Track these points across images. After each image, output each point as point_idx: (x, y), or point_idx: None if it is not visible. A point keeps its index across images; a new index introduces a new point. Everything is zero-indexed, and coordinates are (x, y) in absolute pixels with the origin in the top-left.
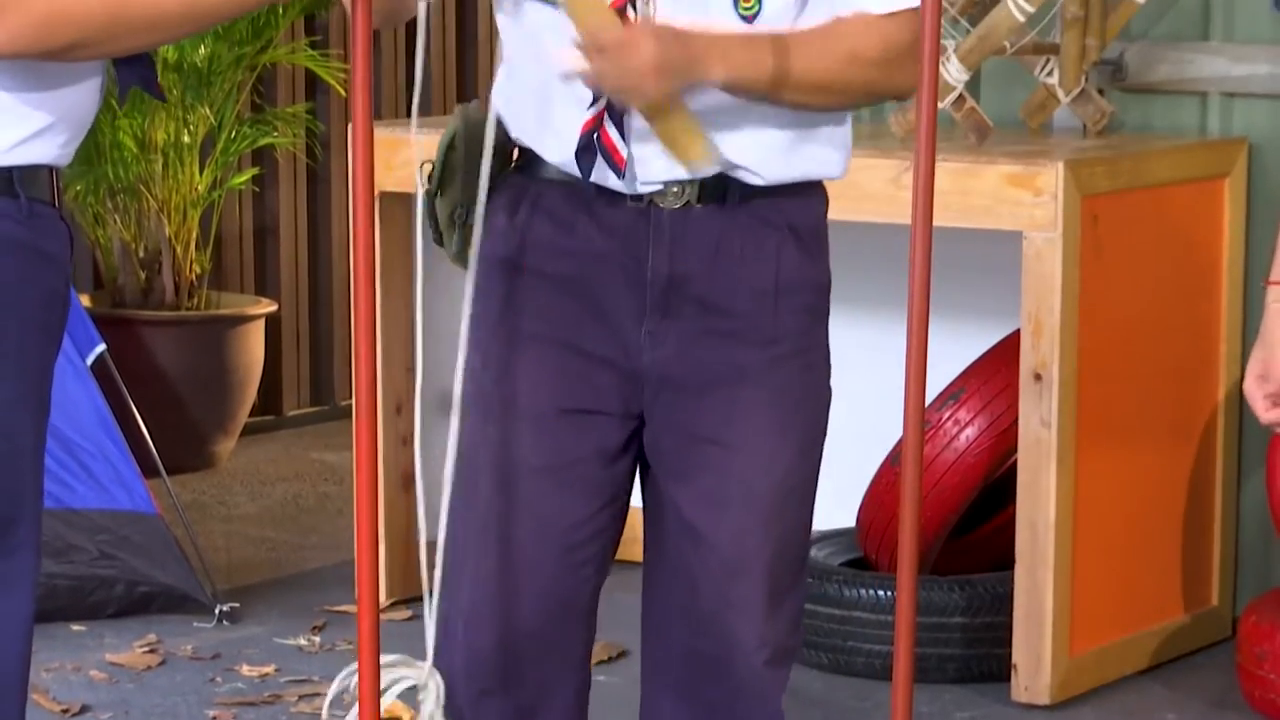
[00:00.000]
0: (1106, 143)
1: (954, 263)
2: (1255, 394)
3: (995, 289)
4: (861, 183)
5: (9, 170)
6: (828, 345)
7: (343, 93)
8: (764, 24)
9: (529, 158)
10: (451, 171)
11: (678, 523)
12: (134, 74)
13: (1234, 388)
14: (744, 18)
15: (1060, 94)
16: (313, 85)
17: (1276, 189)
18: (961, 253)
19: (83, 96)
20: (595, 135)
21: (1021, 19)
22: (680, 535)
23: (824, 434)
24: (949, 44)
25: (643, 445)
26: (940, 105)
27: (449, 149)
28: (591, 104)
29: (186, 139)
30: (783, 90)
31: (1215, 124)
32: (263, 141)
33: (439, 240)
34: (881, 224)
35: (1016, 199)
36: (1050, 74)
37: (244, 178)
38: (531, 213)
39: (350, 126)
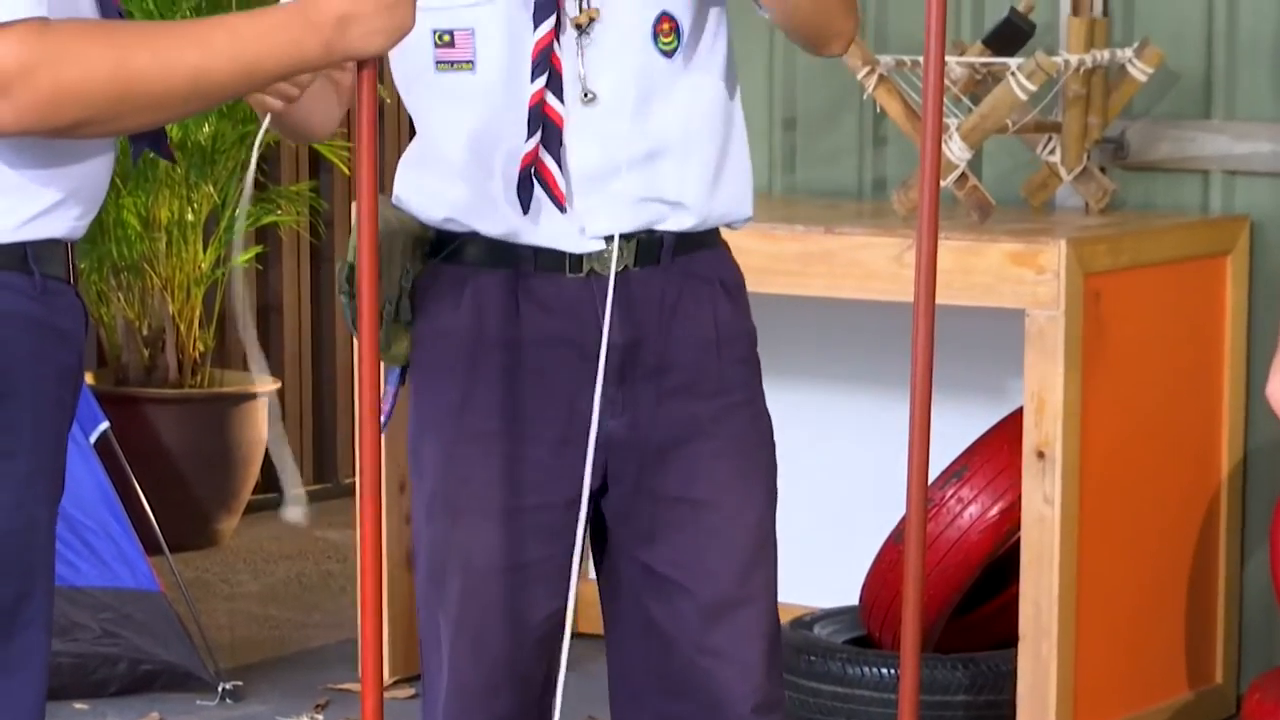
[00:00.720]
0: (1109, 220)
1: (957, 340)
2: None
3: (998, 367)
4: (864, 261)
5: (23, 246)
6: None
7: (346, 171)
8: (681, 58)
9: (457, 243)
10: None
11: (647, 583)
12: (145, 138)
13: (1237, 465)
14: (664, 53)
15: (1062, 172)
16: (316, 163)
17: (1278, 266)
18: (964, 330)
19: (95, 169)
20: (533, 169)
21: (1024, 97)
22: (650, 595)
23: (776, 482)
24: (951, 122)
25: (601, 515)
26: (943, 183)
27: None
28: (528, 136)
29: (190, 217)
30: None
31: (1217, 202)
32: (266, 220)
33: None
34: (884, 302)
35: (1019, 277)
36: (1052, 152)
37: (247, 256)
38: (471, 305)
39: (355, 205)
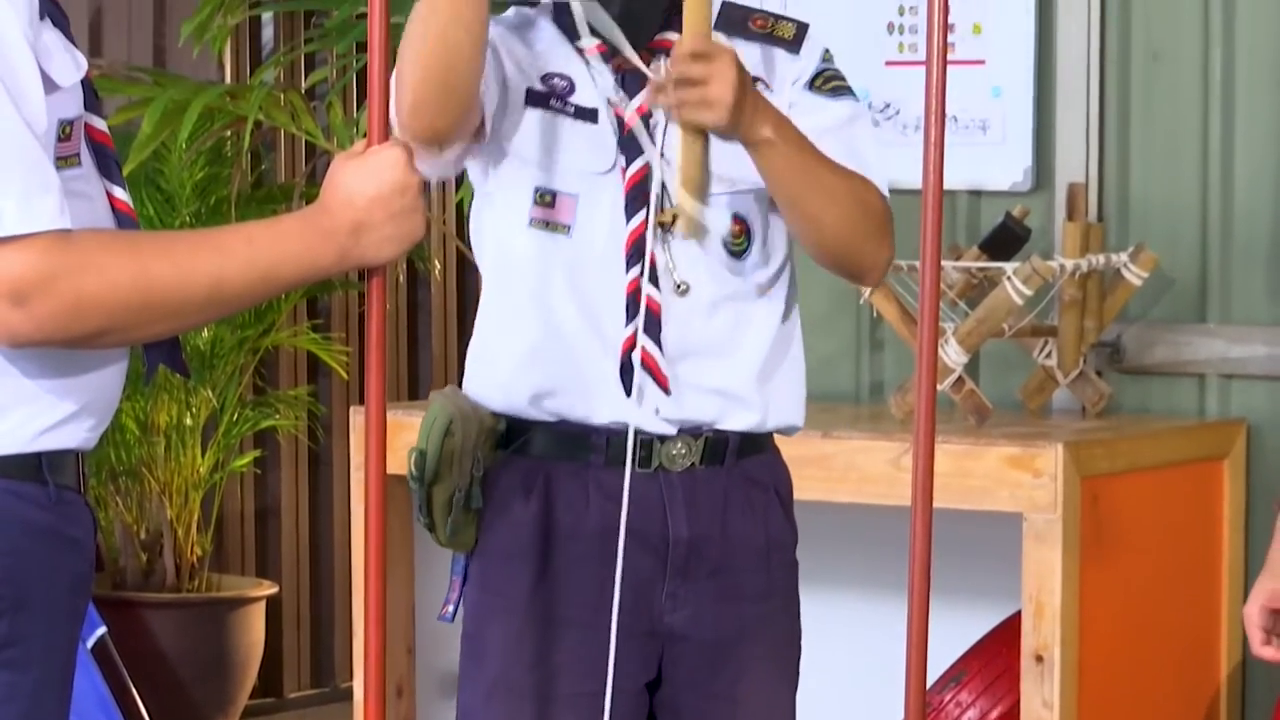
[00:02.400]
0: (1106, 424)
1: (954, 544)
2: (1255, 622)
3: (995, 570)
4: (862, 465)
5: (37, 456)
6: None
7: (344, 376)
8: (750, 261)
9: (528, 435)
10: (448, 458)
11: None
12: (160, 353)
13: (1236, 669)
14: (733, 254)
15: (1059, 376)
16: (315, 368)
17: (1275, 470)
18: (962, 534)
19: (109, 380)
20: (635, 354)
21: (1020, 302)
22: None
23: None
24: (947, 326)
25: (652, 704)
26: (939, 387)
27: (446, 435)
28: (627, 321)
29: (189, 421)
30: (801, 180)
31: (1214, 406)
32: (264, 424)
33: (430, 527)
34: (882, 506)
35: (1016, 480)
36: (1049, 356)
37: (245, 460)
38: (541, 495)
39: (364, 412)
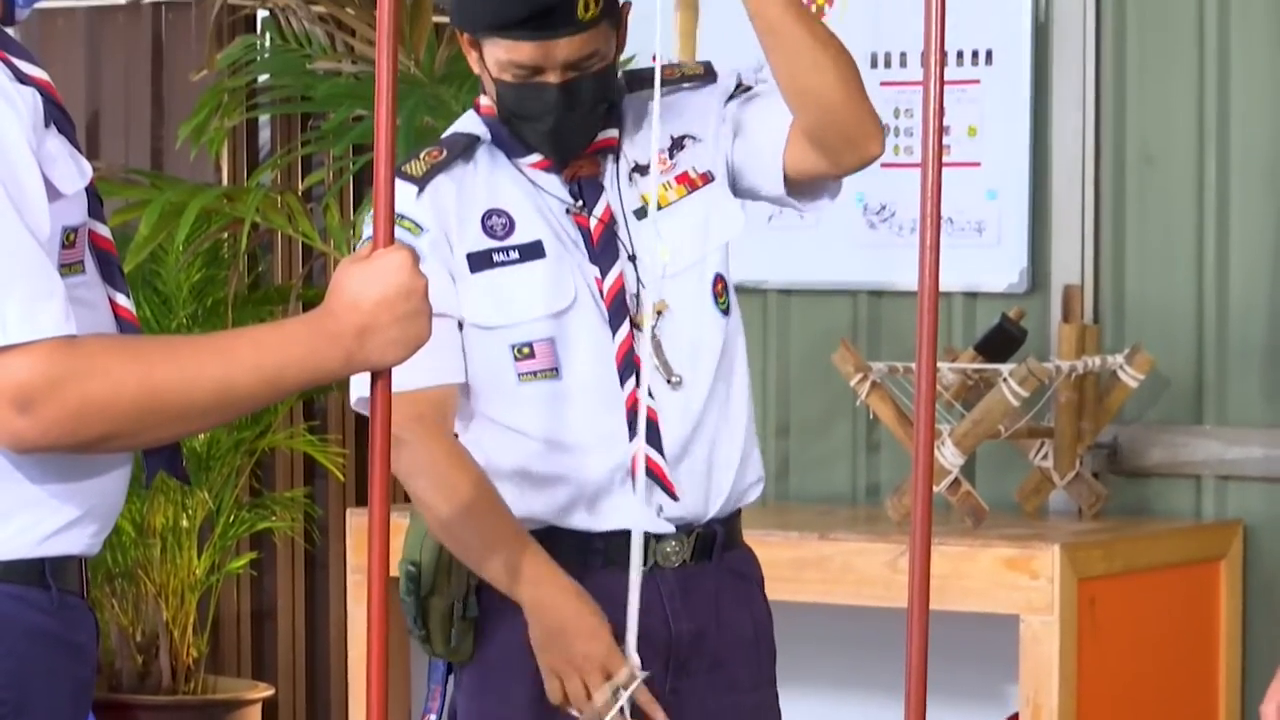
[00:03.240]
0: (1102, 526)
1: (951, 646)
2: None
3: (993, 672)
4: (858, 567)
5: (41, 562)
6: None
7: (341, 478)
8: (733, 315)
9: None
10: (444, 568)
11: None
12: (161, 459)
13: None
14: (722, 312)
15: (1055, 477)
16: (311, 470)
17: (1272, 571)
18: (959, 636)
19: (113, 485)
20: (645, 469)
21: (1016, 404)
22: None
23: None
24: (944, 429)
25: None
26: (936, 489)
27: (441, 545)
28: (631, 438)
29: (185, 523)
30: (805, 21)
31: (1210, 507)
32: (261, 526)
33: (424, 639)
34: (878, 608)
35: (1013, 582)
36: (1045, 457)
37: (242, 562)
38: None
39: (369, 514)
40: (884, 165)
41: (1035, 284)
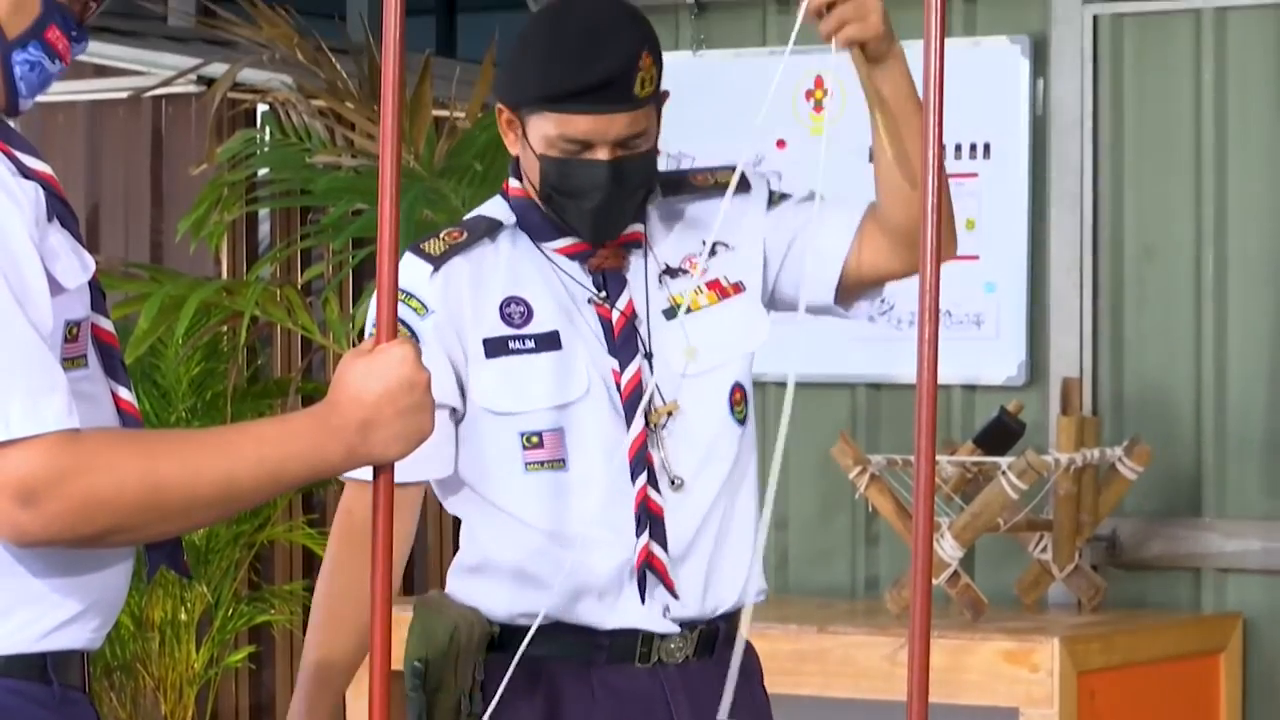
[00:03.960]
0: (1102, 619)
1: None
2: None
3: None
4: (858, 659)
5: (43, 657)
6: None
7: None
8: (749, 427)
9: (530, 639)
10: (451, 664)
11: None
12: (163, 554)
13: None
14: (739, 422)
15: (1055, 570)
16: (310, 562)
17: (1272, 664)
18: None
19: (115, 580)
20: (648, 565)
21: (1015, 496)
22: None
23: None
24: (942, 521)
25: None
26: (935, 582)
27: (450, 640)
28: (638, 533)
29: (183, 617)
30: (913, 101)
31: (1210, 600)
32: (260, 619)
33: None
34: (878, 701)
35: (1013, 675)
36: (1044, 550)
37: (240, 655)
38: (546, 696)
39: (371, 606)
40: None
41: (1034, 376)
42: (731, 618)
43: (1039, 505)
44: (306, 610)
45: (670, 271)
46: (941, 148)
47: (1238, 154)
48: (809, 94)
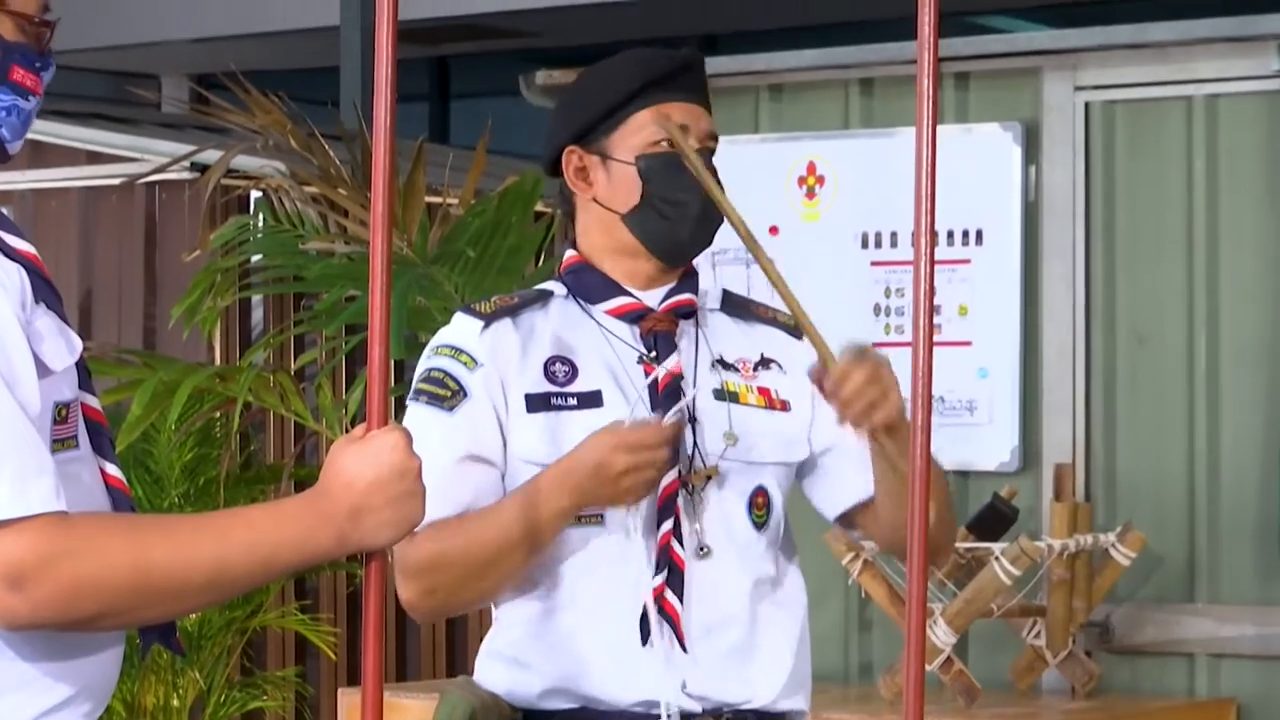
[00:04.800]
0: (1096, 704)
1: None
2: None
3: None
4: None
5: None
6: None
7: (333, 657)
8: (768, 535)
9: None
10: None
11: None
12: (155, 633)
13: None
14: (755, 524)
15: (1048, 656)
16: (302, 649)
17: None
18: None
19: (105, 665)
20: (658, 605)
21: (1008, 582)
22: None
23: None
24: (936, 607)
25: None
26: (928, 668)
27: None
28: (655, 574)
29: (175, 702)
30: (939, 475)
31: (1203, 685)
32: (252, 705)
33: None
34: None
35: None
36: (1038, 636)
37: None
38: None
39: (361, 693)
40: (875, 345)
41: (1027, 462)
42: (762, 716)
43: (1032, 591)
44: (299, 697)
45: (724, 363)
46: (933, 235)
47: (1229, 239)
48: (801, 180)
